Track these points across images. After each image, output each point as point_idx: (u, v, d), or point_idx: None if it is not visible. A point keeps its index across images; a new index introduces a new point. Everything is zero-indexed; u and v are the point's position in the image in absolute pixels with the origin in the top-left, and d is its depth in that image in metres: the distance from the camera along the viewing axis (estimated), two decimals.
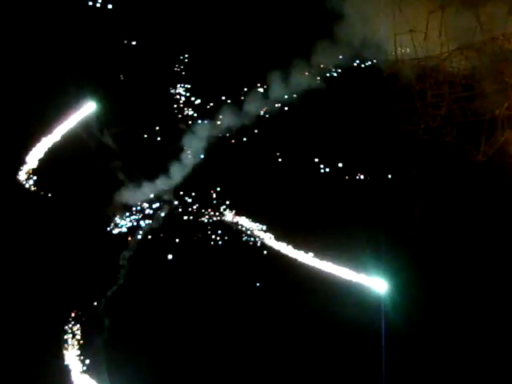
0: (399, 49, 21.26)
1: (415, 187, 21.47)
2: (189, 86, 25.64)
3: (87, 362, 23.62)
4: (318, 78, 23.64)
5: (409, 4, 20.90)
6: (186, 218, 26.08)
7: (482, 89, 20.10)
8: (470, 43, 20.15)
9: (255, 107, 24.37)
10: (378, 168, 23.56)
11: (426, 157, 21.60)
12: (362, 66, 23.66)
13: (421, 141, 21.25)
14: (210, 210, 25.91)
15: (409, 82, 21.21)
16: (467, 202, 21.72)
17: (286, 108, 24.54)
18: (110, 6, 23.61)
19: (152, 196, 25.47)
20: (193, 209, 26.12)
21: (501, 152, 20.75)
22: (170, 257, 25.49)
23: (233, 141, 25.09)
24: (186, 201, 26.08)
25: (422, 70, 21.06)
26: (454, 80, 20.55)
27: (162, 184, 25.36)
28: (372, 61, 23.12)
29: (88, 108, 23.72)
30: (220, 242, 25.87)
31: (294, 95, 24.02)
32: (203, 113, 25.57)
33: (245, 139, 25.28)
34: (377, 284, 22.81)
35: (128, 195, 25.12)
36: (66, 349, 23.67)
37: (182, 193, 25.86)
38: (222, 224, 25.86)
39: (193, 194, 26.19)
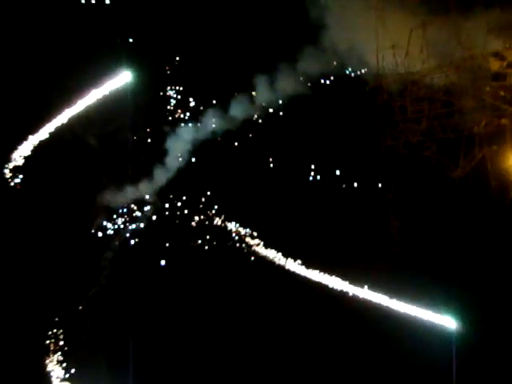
0: (382, 63, 21.59)
1: (394, 201, 21.77)
2: (174, 89, 25.92)
3: (70, 367, 23.84)
4: (304, 85, 23.97)
5: (392, 20, 21.19)
6: (169, 220, 26.32)
7: (461, 106, 20.36)
8: (450, 61, 20.45)
9: (240, 111, 24.68)
10: (358, 180, 23.94)
11: (405, 171, 21.94)
12: (347, 76, 24.05)
13: (400, 155, 21.57)
14: (195, 213, 26.14)
15: (390, 96, 21.52)
16: (444, 216, 21.98)
17: (271, 113, 24.92)
18: None
19: (136, 198, 25.69)
20: (177, 212, 26.32)
21: (478, 168, 21.04)
22: (153, 259, 25.70)
23: (218, 144, 25.39)
24: (170, 203, 26.29)
25: (403, 85, 21.35)
26: (435, 96, 20.82)
27: (145, 187, 25.58)
28: (356, 72, 23.49)
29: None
30: (208, 247, 26.09)
31: (280, 101, 24.38)
32: (188, 116, 25.85)
33: (230, 143, 25.60)
34: (447, 322, 22.54)
35: (111, 197, 25.32)
36: (48, 354, 23.77)
37: (166, 195, 26.08)
38: (211, 228, 26.09)
39: (177, 196, 26.41)
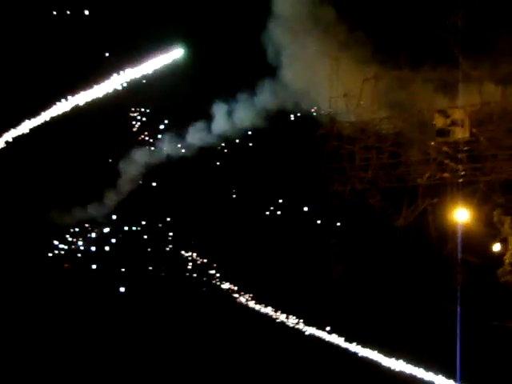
0: (334, 110, 22.11)
1: (336, 246, 22.09)
2: (130, 113, 26.05)
3: None
4: (261, 119, 24.40)
5: (346, 69, 21.79)
6: (119, 242, 26.22)
7: (407, 158, 20.90)
8: (398, 113, 21.08)
9: (197, 139, 24.94)
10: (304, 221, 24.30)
11: (349, 217, 22.35)
12: (302, 116, 24.60)
13: (346, 201, 21.96)
14: (145, 235, 26.10)
15: (340, 143, 21.97)
16: (384, 263, 22.44)
17: (228, 142, 25.23)
18: None
19: (86, 219, 25.54)
20: (127, 234, 26.24)
21: (420, 219, 21.54)
22: (102, 280, 25.53)
23: (171, 169, 25.51)
24: (121, 225, 26.20)
25: (353, 132, 21.84)
26: (382, 146, 21.33)
27: (96, 208, 25.48)
28: (310, 115, 24.05)
29: None
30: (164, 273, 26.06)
31: (235, 131, 24.73)
32: (143, 139, 25.95)
33: (183, 168, 25.77)
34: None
35: (62, 217, 25.14)
36: None
37: (116, 217, 26.01)
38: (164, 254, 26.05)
39: (128, 218, 26.36)
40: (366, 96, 21.60)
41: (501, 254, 19.37)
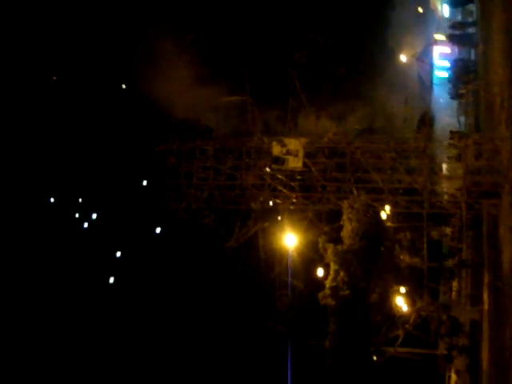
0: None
1: (167, 263, 22.04)
2: None
3: None
4: None
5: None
6: None
7: (243, 181, 21.53)
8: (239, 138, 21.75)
9: None
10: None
11: (183, 235, 22.47)
12: None
13: (180, 219, 22.03)
14: None
15: (179, 160, 22.02)
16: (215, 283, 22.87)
17: None
18: None
19: None
20: None
21: (251, 242, 22.29)
22: None
23: None
24: None
25: (192, 152, 22.02)
26: (220, 168, 21.77)
27: None
28: None
29: None
30: None
31: None
32: None
33: None
34: None
35: None
36: None
37: None
38: None
39: None
40: (211, 120, 22.08)
41: (323, 279, 20.67)
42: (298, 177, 20.98)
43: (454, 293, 25.18)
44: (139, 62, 22.45)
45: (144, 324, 25.11)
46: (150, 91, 21.75)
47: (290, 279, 21.35)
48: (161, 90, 21.38)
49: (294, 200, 21.19)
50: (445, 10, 33.65)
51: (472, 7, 30.95)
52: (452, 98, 29.23)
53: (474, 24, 29.36)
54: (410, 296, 21.14)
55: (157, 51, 21.89)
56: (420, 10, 33.75)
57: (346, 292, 19.81)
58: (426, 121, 22.06)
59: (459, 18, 32.50)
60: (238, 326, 23.36)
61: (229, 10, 25.40)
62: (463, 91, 27.19)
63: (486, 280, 20.99)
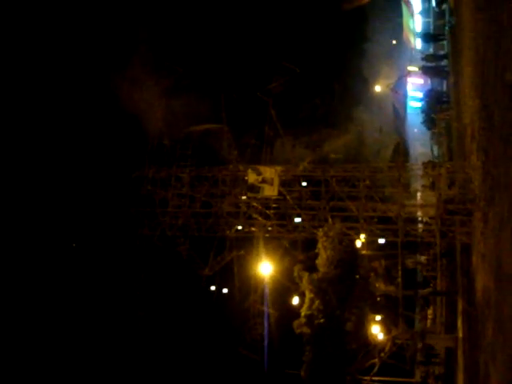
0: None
1: (140, 291, 21.80)
2: None
3: None
4: None
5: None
6: None
7: (219, 209, 21.49)
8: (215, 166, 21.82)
9: None
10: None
11: (158, 262, 22.28)
12: None
13: (156, 246, 21.87)
14: None
15: (154, 188, 21.94)
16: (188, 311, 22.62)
17: None
18: None
19: None
20: None
21: (226, 269, 22.19)
22: None
23: None
24: None
25: (167, 179, 21.97)
26: (196, 195, 21.72)
27: None
28: None
29: None
30: None
31: None
32: None
33: None
34: None
35: None
36: None
37: None
38: None
39: None
40: (187, 148, 22.09)
41: (298, 307, 20.58)
42: (274, 205, 21.02)
43: (429, 320, 25.27)
44: (114, 87, 22.47)
45: (116, 356, 24.68)
46: (124, 118, 21.78)
47: (265, 307, 21.21)
48: (136, 117, 21.41)
49: (270, 228, 21.19)
50: (417, 43, 34.36)
51: (443, 41, 31.66)
52: (425, 127, 29.68)
53: (445, 57, 29.97)
54: (386, 324, 21.17)
55: (132, 77, 21.96)
56: (394, 42, 34.44)
57: (322, 320, 19.74)
58: (400, 150, 22.34)
59: (431, 50, 33.16)
60: (211, 355, 23.06)
61: (207, 38, 25.65)
62: (436, 121, 27.63)
63: (460, 308, 21.09)
